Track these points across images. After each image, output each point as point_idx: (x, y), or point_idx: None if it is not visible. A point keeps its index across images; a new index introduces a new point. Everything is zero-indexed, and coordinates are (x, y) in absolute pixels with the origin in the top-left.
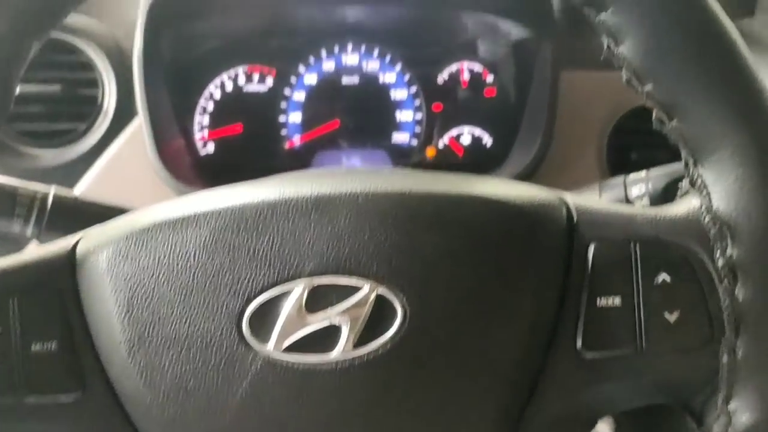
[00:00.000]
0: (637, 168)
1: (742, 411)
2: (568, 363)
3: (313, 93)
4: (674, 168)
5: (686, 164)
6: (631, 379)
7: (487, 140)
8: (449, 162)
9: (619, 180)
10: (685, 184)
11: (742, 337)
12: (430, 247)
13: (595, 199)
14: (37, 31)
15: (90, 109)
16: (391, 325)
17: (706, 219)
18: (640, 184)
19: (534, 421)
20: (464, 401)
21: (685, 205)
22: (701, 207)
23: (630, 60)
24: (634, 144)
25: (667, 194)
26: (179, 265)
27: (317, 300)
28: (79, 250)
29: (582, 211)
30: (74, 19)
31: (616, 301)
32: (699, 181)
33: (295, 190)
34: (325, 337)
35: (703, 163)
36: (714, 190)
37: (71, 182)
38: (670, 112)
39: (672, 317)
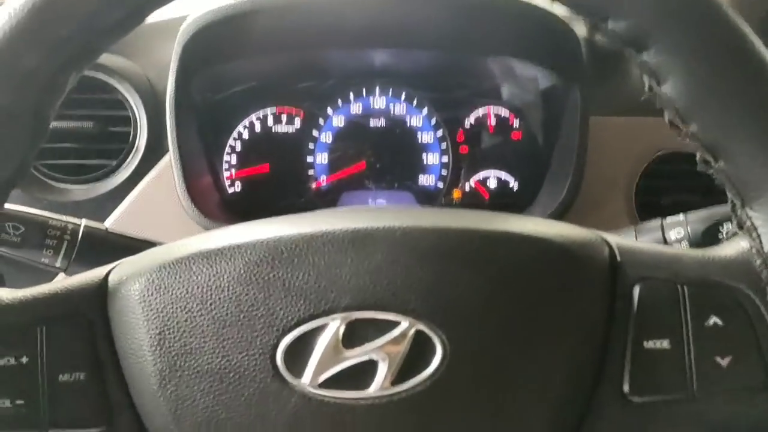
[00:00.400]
0: (667, 214)
1: None
2: (614, 407)
3: (340, 135)
4: (714, 211)
5: (733, 206)
6: (681, 424)
7: (514, 184)
8: (475, 205)
9: (656, 223)
10: (730, 226)
11: None
12: (470, 284)
13: (635, 240)
14: (73, 66)
15: (122, 146)
16: (430, 361)
17: (758, 261)
18: (678, 227)
19: None
20: None
21: (734, 246)
22: (751, 249)
23: (673, 100)
24: (663, 188)
25: (706, 238)
26: (213, 297)
27: (354, 335)
28: (111, 279)
29: (625, 250)
30: (109, 59)
31: (665, 344)
32: (748, 222)
33: (332, 225)
34: (362, 373)
35: (752, 205)
36: (764, 232)
37: (101, 217)
38: (716, 153)
39: (724, 362)
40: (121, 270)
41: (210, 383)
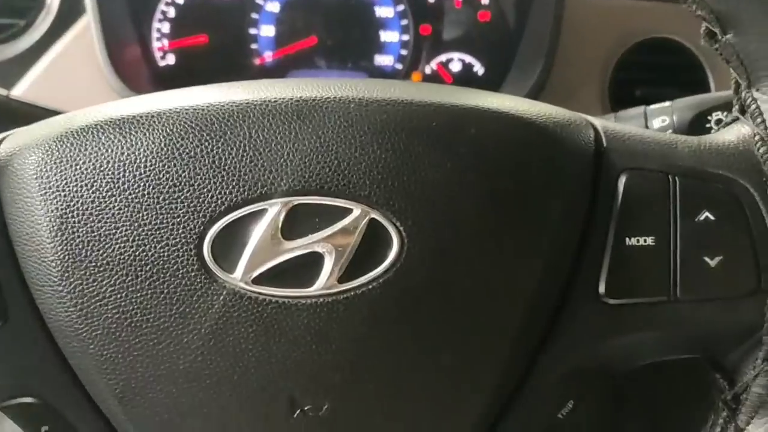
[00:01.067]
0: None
1: None
2: (587, 309)
3: (288, 4)
4: (702, 98)
5: (736, 87)
6: (659, 330)
7: (479, 68)
8: None
9: (638, 110)
10: (721, 115)
11: None
12: (435, 167)
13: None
14: None
15: (31, 3)
16: (384, 256)
17: (760, 149)
18: (663, 115)
19: (546, 372)
20: (465, 347)
21: (734, 133)
22: (754, 136)
23: None
24: (639, 80)
25: (694, 128)
26: (126, 175)
27: (296, 224)
28: (2, 150)
29: (613, 135)
30: None
31: (649, 240)
32: (753, 106)
33: (273, 93)
34: (305, 269)
35: (759, 86)
36: None
37: (7, 84)
38: (725, 23)
39: (713, 262)
40: (14, 140)
41: (122, 277)
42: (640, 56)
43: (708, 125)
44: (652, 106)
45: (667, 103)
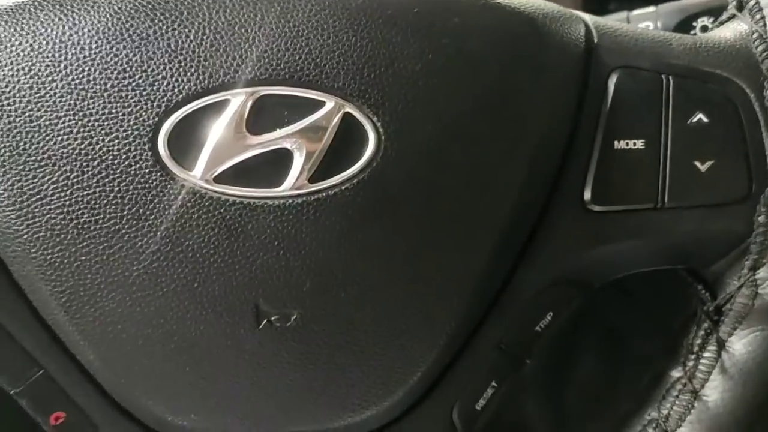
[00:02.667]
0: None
1: None
2: (571, 216)
3: None
4: (687, 3)
5: None
6: (645, 238)
7: None
8: None
9: (621, 15)
10: (706, 20)
11: None
12: (415, 58)
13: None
14: None
15: None
16: (360, 154)
17: (759, 47)
18: (647, 21)
19: (527, 280)
20: (442, 255)
21: (731, 30)
22: (752, 33)
23: None
24: None
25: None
26: (69, 57)
27: (263, 117)
28: None
29: (604, 31)
30: None
31: (638, 144)
32: (751, 1)
33: None
34: (273, 167)
35: None
36: None
37: None
38: None
39: (704, 166)
40: None
41: (66, 173)
42: None
43: (693, 32)
44: (636, 11)
45: (651, 9)
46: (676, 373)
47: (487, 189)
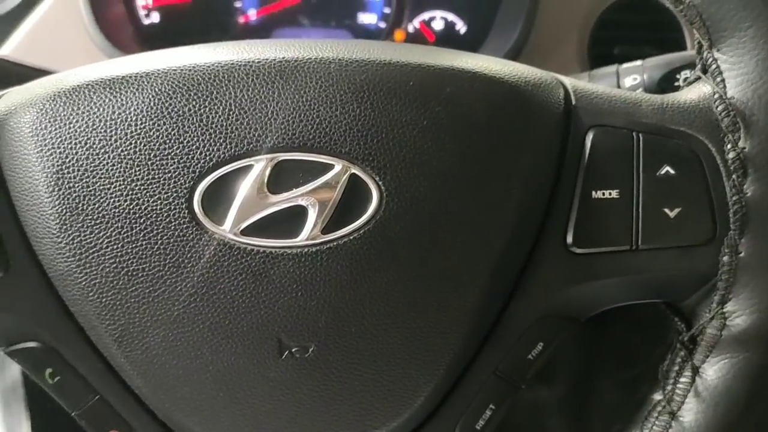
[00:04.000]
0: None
1: (739, 313)
2: (556, 258)
3: None
4: (672, 57)
5: (699, 47)
6: (623, 276)
7: (461, 26)
8: None
9: (610, 69)
10: (689, 73)
11: (746, 236)
12: (412, 125)
13: (593, 84)
14: None
15: None
16: (364, 209)
17: (719, 107)
18: (635, 74)
19: (517, 316)
20: (440, 295)
21: (695, 92)
22: (713, 94)
23: None
24: (618, 38)
25: (663, 85)
26: (118, 132)
27: (281, 179)
28: None
29: (581, 94)
30: None
31: (614, 193)
32: (713, 66)
33: (257, 54)
34: (290, 221)
35: (720, 46)
36: (729, 76)
37: None
38: None
39: (672, 213)
40: (9, 99)
41: (118, 230)
42: (620, 15)
43: (676, 83)
44: (624, 65)
45: (638, 62)
46: (656, 396)
47: (478, 236)
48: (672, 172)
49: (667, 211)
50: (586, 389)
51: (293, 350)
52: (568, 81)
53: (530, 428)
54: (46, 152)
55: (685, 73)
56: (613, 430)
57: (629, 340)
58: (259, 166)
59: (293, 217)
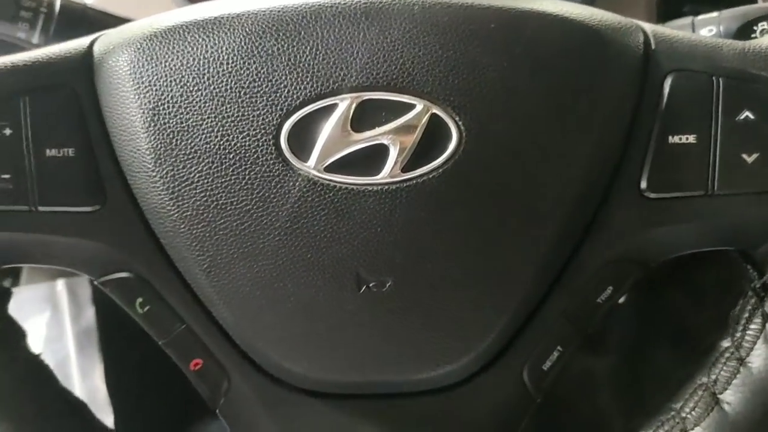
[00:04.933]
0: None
1: None
2: (629, 202)
3: None
4: (748, 9)
5: None
6: (696, 222)
7: None
8: None
9: (686, 21)
10: (766, 25)
11: None
12: (492, 66)
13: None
14: None
15: None
16: (444, 148)
17: None
18: (711, 25)
19: (589, 258)
20: (515, 234)
21: None
22: None
23: None
24: None
25: (739, 37)
26: (211, 71)
27: (364, 117)
28: (97, 49)
29: (661, 38)
30: None
31: (691, 138)
32: None
33: None
34: (372, 159)
35: None
36: None
37: None
38: None
39: (750, 158)
40: (107, 39)
41: (209, 164)
42: None
43: (753, 35)
44: (700, 17)
45: (714, 14)
46: (725, 343)
47: (554, 177)
48: (751, 117)
49: (744, 156)
50: (639, 360)
51: (371, 284)
52: (648, 26)
53: (579, 399)
54: (143, 90)
55: (762, 25)
56: (677, 375)
57: (686, 309)
58: (344, 105)
59: (375, 155)
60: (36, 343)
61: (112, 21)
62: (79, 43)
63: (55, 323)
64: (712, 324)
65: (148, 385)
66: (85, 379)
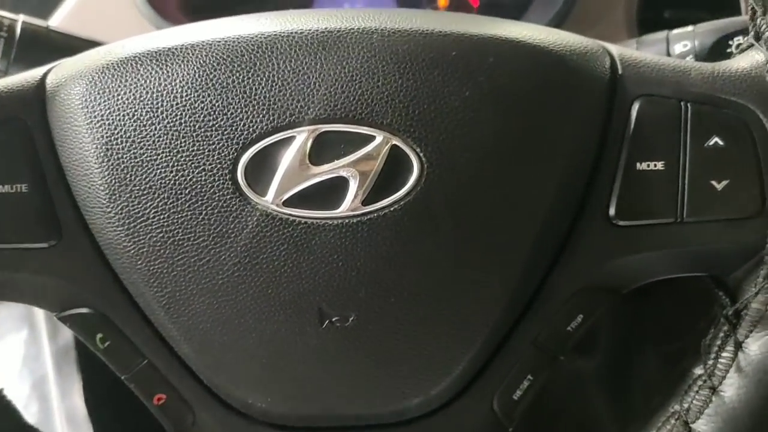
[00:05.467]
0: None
1: None
2: (598, 230)
3: None
4: (724, 23)
5: (752, 13)
6: (667, 249)
7: None
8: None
9: (660, 35)
10: (742, 40)
11: None
12: (453, 95)
13: (640, 52)
14: None
15: None
16: (405, 180)
17: None
18: (685, 40)
19: (559, 287)
20: (481, 266)
21: (747, 60)
22: (766, 62)
23: None
24: (668, 2)
25: (714, 52)
26: (164, 104)
27: (323, 150)
28: (49, 81)
29: (628, 62)
30: None
31: (659, 165)
32: (767, 33)
33: (299, 25)
34: (332, 192)
35: None
36: None
37: (43, 15)
38: None
39: (720, 185)
40: (60, 71)
41: (164, 200)
42: None
43: (729, 50)
44: (675, 31)
45: (689, 28)
46: (697, 371)
47: (520, 207)
48: (721, 143)
49: (714, 183)
50: (628, 361)
51: (334, 319)
52: (615, 49)
53: (569, 399)
54: (95, 124)
55: (738, 40)
56: (654, 402)
57: (672, 312)
58: (301, 138)
59: (334, 189)
60: (14, 363)
61: (76, 43)
62: (32, 75)
63: (32, 342)
64: (686, 348)
65: (127, 403)
66: (64, 398)
